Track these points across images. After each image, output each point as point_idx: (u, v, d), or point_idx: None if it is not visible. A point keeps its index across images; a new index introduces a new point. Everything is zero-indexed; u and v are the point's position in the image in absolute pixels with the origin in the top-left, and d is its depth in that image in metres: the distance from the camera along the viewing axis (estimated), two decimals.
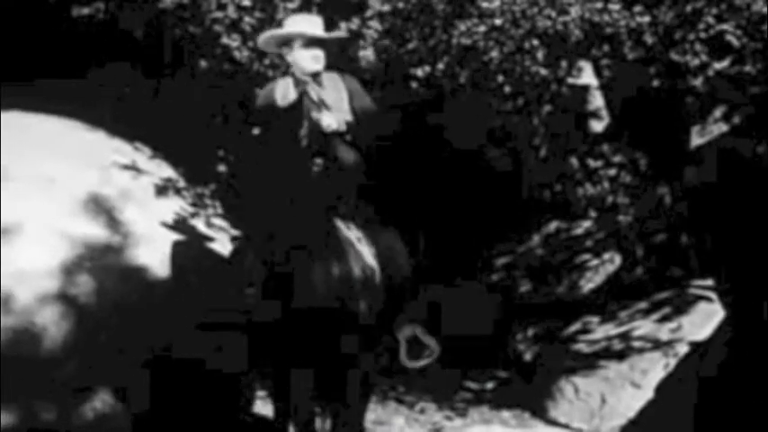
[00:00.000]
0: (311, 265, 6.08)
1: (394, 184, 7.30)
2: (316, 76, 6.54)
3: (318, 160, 6.40)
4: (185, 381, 7.17)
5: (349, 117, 6.52)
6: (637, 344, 8.23)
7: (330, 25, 6.94)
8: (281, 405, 6.48)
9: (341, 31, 7.11)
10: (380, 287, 6.38)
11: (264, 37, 6.78)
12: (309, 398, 6.29)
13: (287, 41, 6.59)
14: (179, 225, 7.64)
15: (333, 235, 6.29)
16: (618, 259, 9.09)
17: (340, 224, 6.39)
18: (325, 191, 6.37)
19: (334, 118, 6.42)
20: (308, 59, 6.53)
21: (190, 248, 7.54)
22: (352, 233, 6.40)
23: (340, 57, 7.06)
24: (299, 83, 6.52)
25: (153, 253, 7.36)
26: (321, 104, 6.47)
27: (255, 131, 7.22)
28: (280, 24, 7.11)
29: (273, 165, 6.14)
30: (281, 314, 6.05)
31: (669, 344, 8.13)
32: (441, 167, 9.06)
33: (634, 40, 7.74)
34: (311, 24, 6.59)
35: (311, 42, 6.52)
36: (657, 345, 8.15)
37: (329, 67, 6.65)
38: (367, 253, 6.38)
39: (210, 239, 7.71)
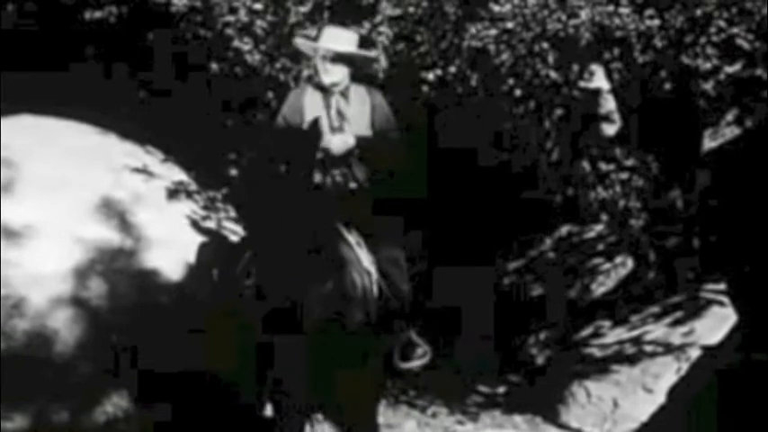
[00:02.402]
0: (307, 287, 6.13)
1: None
2: (335, 85, 6.59)
3: (341, 169, 6.49)
4: (197, 384, 7.18)
5: (367, 131, 6.58)
6: (649, 348, 8.21)
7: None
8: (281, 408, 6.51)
9: (368, 51, 7.12)
10: (377, 292, 6.43)
11: (300, 41, 6.95)
12: (304, 402, 6.34)
13: (315, 50, 6.68)
14: (201, 228, 7.68)
15: (333, 242, 6.34)
16: (630, 263, 9.08)
17: (342, 228, 6.44)
18: (336, 199, 6.43)
19: (344, 140, 6.49)
20: (323, 71, 6.60)
21: (214, 250, 7.56)
22: (352, 237, 6.46)
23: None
24: (326, 93, 6.60)
25: (165, 256, 7.38)
26: (341, 117, 6.54)
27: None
28: (291, 29, 7.22)
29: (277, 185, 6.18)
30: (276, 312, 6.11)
31: (681, 348, 8.11)
32: (451, 171, 9.07)
33: (644, 44, 7.72)
34: (343, 39, 6.63)
35: (336, 57, 6.57)
36: (670, 349, 8.13)
37: (357, 79, 6.72)
38: (365, 257, 6.44)
39: (226, 239, 7.74)
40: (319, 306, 6.10)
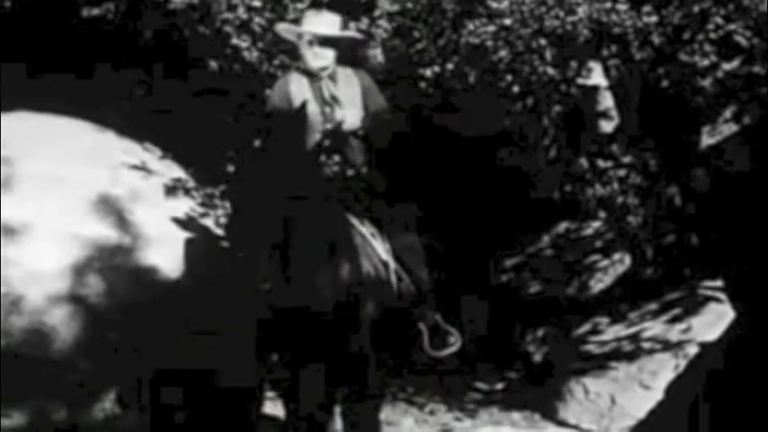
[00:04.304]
0: (318, 268, 6.10)
1: (403, 184, 7.30)
2: (323, 70, 6.57)
3: (334, 158, 6.46)
4: (195, 381, 7.18)
5: (361, 114, 6.57)
6: (646, 345, 8.21)
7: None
8: (292, 406, 6.50)
9: (352, 32, 7.13)
10: (393, 282, 6.40)
11: (282, 27, 6.91)
12: (320, 398, 6.30)
13: (299, 35, 6.66)
14: (190, 224, 7.65)
15: (345, 233, 6.31)
16: (628, 260, 9.08)
17: (354, 219, 6.42)
18: (338, 189, 6.40)
19: (352, 116, 6.47)
20: (311, 56, 6.58)
21: (202, 247, 7.55)
22: (365, 228, 6.43)
23: (350, 56, 7.07)
24: (313, 78, 6.58)
25: (163, 253, 7.37)
26: (333, 101, 6.52)
27: (257, 142, 7.28)
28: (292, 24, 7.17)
29: (277, 167, 6.15)
30: (292, 314, 6.07)
31: (679, 345, 8.12)
32: (450, 168, 9.07)
33: (641, 41, 7.73)
34: (325, 22, 6.63)
35: (321, 40, 6.56)
36: (667, 346, 8.13)
37: (344, 63, 6.70)
38: (380, 248, 6.41)
39: (222, 238, 7.72)
40: (332, 288, 6.07)
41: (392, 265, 6.43)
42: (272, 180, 5.98)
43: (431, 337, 6.50)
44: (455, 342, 6.54)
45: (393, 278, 6.42)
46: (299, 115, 6.33)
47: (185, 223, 7.60)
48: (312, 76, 6.59)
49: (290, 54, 7.69)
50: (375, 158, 6.63)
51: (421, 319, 6.52)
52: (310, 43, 6.57)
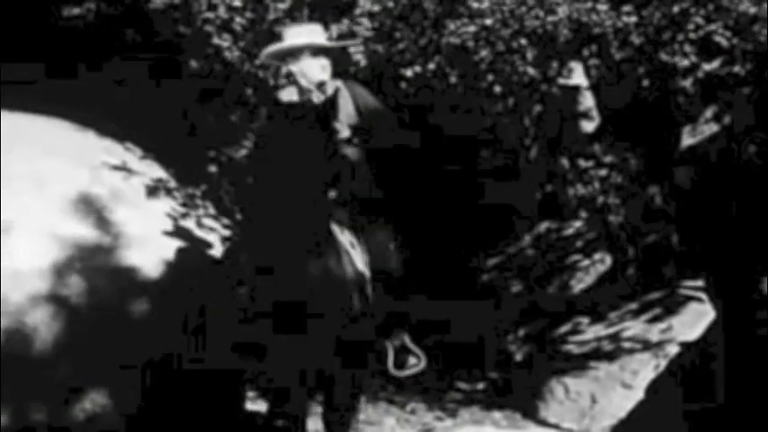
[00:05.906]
0: (307, 264, 6.11)
1: (385, 184, 7.31)
2: (321, 84, 6.56)
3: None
4: (177, 380, 7.17)
5: (354, 121, 6.56)
6: (627, 344, 8.23)
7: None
8: (274, 404, 6.50)
9: (347, 40, 7.12)
10: (371, 293, 6.41)
11: (269, 51, 6.77)
12: (303, 397, 6.31)
13: (292, 53, 6.60)
14: (172, 226, 7.66)
15: (331, 236, 6.32)
16: (608, 260, 9.09)
17: (335, 228, 6.42)
18: (326, 191, 6.42)
19: (344, 125, 6.47)
20: (317, 69, 6.55)
21: (182, 249, 7.55)
22: (345, 238, 6.43)
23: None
24: (303, 92, 6.56)
25: (144, 253, 7.36)
26: (334, 111, 6.51)
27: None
28: (271, 26, 7.18)
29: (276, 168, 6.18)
30: (276, 313, 6.08)
31: (659, 344, 8.13)
32: (431, 167, 9.07)
33: (621, 41, 7.76)
34: (314, 34, 6.61)
35: (318, 52, 6.54)
36: (648, 345, 8.15)
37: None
38: (359, 259, 6.41)
39: (203, 241, 7.72)
40: (320, 285, 6.08)
41: (369, 277, 6.43)
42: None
43: (396, 355, 6.55)
44: (417, 364, 6.59)
45: (369, 288, 6.43)
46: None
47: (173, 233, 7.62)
48: (303, 91, 6.56)
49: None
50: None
51: (388, 336, 6.55)
52: (315, 55, 6.53)
